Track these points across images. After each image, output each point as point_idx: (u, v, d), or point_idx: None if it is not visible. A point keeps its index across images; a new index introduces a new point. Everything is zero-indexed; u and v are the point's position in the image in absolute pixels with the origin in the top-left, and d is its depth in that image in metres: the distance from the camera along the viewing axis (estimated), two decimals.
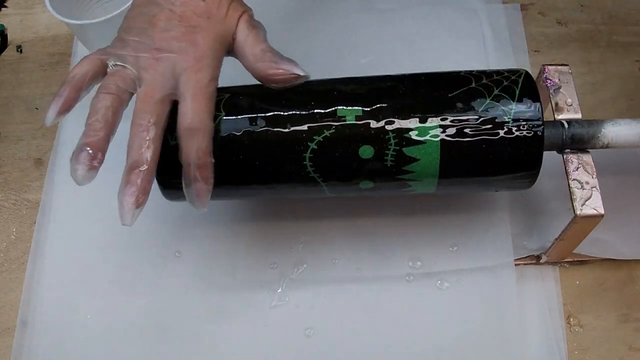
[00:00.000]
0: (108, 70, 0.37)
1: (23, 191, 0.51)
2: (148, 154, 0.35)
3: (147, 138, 0.35)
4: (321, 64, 0.56)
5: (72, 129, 0.53)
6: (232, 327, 0.45)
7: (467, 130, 0.38)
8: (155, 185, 0.40)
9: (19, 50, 0.59)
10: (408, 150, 0.38)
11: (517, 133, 0.38)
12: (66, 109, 0.36)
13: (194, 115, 0.36)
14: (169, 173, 0.39)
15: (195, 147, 0.36)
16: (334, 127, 0.38)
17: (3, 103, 0.56)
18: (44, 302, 0.46)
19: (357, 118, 0.38)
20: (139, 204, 0.35)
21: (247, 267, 0.47)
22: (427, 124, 0.38)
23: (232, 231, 0.48)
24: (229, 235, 0.48)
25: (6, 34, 0.59)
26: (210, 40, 0.37)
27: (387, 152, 0.39)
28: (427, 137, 0.38)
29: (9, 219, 0.50)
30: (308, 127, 0.38)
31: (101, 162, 0.35)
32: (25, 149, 0.53)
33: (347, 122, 0.38)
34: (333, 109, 0.39)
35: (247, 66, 0.39)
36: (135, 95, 0.37)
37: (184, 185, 0.37)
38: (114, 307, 0.46)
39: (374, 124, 0.38)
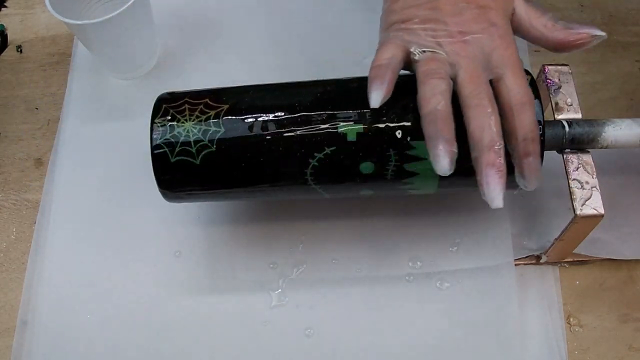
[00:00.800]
0: (415, 57, 0.37)
1: (23, 191, 0.51)
2: (497, 132, 0.35)
3: (492, 117, 0.35)
4: (321, 63, 0.56)
5: (72, 129, 0.53)
6: (232, 327, 0.45)
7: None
8: (154, 186, 0.40)
9: (19, 50, 0.59)
10: (408, 166, 0.39)
11: None
12: (389, 90, 0.36)
13: (521, 89, 0.36)
14: (169, 173, 0.39)
15: (528, 121, 0.35)
16: (335, 144, 0.38)
17: (3, 103, 0.56)
18: (44, 302, 0.46)
19: (359, 135, 0.38)
20: (503, 182, 0.34)
21: (247, 267, 0.47)
22: None
23: (232, 231, 0.48)
24: (228, 235, 0.48)
25: (6, 34, 0.59)
26: (503, 18, 0.38)
27: (387, 167, 0.39)
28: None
29: (9, 219, 0.50)
30: (309, 143, 0.38)
31: (456, 147, 0.35)
32: (25, 149, 0.53)
33: (349, 140, 0.38)
34: (334, 127, 0.38)
35: (538, 37, 0.39)
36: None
37: (516, 163, 0.36)
38: (114, 307, 0.46)
39: (375, 141, 0.38)
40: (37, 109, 0.55)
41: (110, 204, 0.50)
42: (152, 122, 0.40)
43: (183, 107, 0.39)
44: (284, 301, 0.46)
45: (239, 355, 0.44)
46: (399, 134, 0.38)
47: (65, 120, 0.54)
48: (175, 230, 0.48)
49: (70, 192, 0.50)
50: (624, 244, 0.46)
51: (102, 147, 0.52)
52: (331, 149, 0.38)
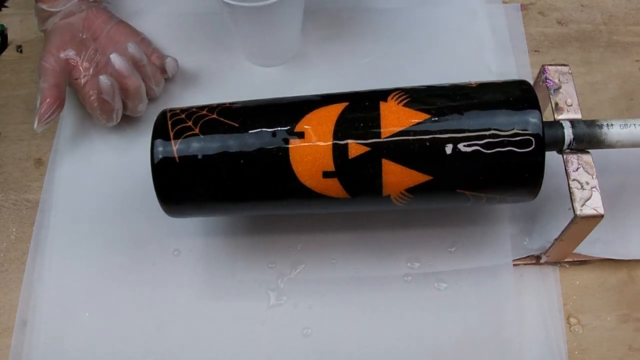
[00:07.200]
0: None
1: (23, 191, 0.51)
2: None
3: None
4: (320, 64, 0.56)
5: (72, 128, 0.53)
6: (230, 326, 0.45)
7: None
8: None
9: (19, 50, 0.59)
10: None
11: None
12: None
13: None
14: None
15: None
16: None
17: (3, 103, 0.56)
18: (44, 302, 0.46)
19: None
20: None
21: (246, 267, 0.47)
22: None
23: (231, 231, 0.48)
24: (227, 234, 0.48)
25: (6, 34, 0.59)
26: None
27: None
28: None
29: (9, 219, 0.50)
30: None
31: None
32: (25, 149, 0.53)
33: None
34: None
35: None
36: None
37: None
38: (113, 307, 0.46)
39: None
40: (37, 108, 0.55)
41: (110, 204, 0.50)
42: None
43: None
44: (282, 301, 0.46)
45: (237, 354, 0.44)
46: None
47: (65, 121, 0.54)
48: (174, 229, 0.48)
49: (70, 192, 0.50)
50: (624, 244, 0.46)
51: (102, 147, 0.52)
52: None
